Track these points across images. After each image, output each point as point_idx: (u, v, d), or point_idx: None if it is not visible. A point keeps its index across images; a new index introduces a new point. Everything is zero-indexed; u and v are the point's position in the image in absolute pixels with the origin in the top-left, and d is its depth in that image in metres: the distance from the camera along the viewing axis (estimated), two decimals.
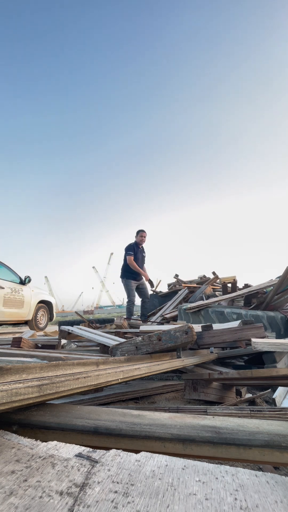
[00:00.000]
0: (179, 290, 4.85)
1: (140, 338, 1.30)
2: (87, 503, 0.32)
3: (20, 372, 0.59)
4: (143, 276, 4.46)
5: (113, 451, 0.44)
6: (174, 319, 3.52)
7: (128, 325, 3.41)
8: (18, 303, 5.00)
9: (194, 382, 1.30)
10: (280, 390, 1.26)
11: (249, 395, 1.36)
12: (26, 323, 5.49)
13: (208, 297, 3.83)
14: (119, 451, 0.44)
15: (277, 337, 2.29)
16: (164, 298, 5.21)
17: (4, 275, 4.95)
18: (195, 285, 4.84)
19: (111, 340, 1.83)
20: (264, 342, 1.23)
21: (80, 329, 2.42)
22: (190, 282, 5.43)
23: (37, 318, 5.64)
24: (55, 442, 0.46)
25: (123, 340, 1.66)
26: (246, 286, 3.94)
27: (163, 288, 6.20)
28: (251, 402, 1.28)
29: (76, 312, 5.12)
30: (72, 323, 4.21)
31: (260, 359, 1.62)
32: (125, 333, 2.40)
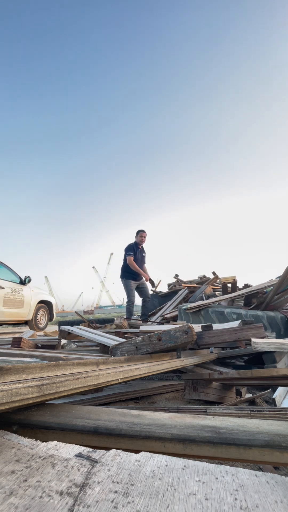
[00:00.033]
0: (179, 290, 4.85)
1: (140, 338, 1.30)
2: (87, 503, 0.32)
3: (20, 372, 0.59)
4: (143, 277, 4.46)
5: (113, 451, 0.44)
6: (174, 319, 3.52)
7: (128, 325, 3.41)
8: (18, 303, 5.00)
9: (194, 382, 1.30)
10: (280, 390, 1.26)
11: (249, 395, 1.36)
12: (26, 323, 5.49)
13: (208, 297, 3.82)
14: (119, 451, 0.44)
15: (277, 337, 2.29)
16: (164, 298, 5.20)
17: (4, 275, 4.95)
18: (195, 285, 4.84)
19: (111, 340, 1.83)
20: (264, 342, 1.23)
21: (80, 329, 2.42)
22: (190, 282, 5.43)
23: (37, 318, 5.64)
24: (55, 442, 0.46)
25: (123, 340, 1.66)
26: (246, 286, 3.94)
27: (163, 288, 6.20)
28: (251, 402, 1.28)
29: (76, 312, 5.12)
30: (72, 323, 4.21)
31: (260, 359, 1.62)
32: (125, 333, 2.40)
